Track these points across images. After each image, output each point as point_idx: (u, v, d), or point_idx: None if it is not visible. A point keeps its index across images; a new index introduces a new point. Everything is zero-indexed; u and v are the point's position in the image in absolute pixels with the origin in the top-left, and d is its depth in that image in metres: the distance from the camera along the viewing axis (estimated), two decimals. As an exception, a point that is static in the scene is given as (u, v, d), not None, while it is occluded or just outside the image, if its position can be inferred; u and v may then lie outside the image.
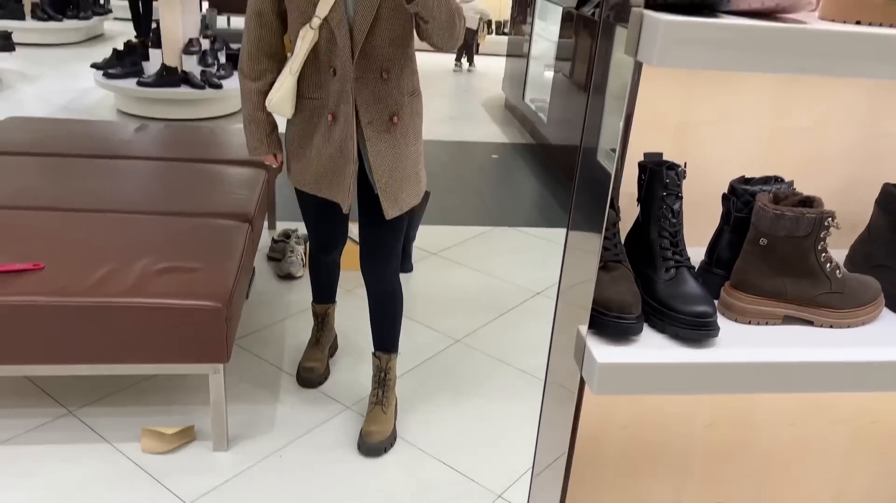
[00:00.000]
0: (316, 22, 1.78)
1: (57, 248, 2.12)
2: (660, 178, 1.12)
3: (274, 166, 2.11)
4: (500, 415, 2.38)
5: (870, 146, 1.34)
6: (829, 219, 1.06)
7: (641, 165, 1.16)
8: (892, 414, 1.55)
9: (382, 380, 2.22)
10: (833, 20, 0.92)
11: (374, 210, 1.98)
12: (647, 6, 0.86)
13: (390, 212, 1.95)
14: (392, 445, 2.18)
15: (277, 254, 3.29)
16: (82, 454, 2.07)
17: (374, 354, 2.23)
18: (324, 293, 2.48)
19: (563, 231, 3.96)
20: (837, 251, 1.35)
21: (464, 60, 8.61)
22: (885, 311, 1.18)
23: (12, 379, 2.34)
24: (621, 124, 0.93)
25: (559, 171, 4.94)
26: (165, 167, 2.87)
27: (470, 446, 2.22)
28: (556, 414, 1.18)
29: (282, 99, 1.89)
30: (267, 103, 1.91)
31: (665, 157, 1.23)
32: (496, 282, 3.30)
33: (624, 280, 1.08)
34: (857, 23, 0.91)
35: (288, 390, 2.41)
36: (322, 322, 2.52)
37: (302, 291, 3.06)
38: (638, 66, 0.91)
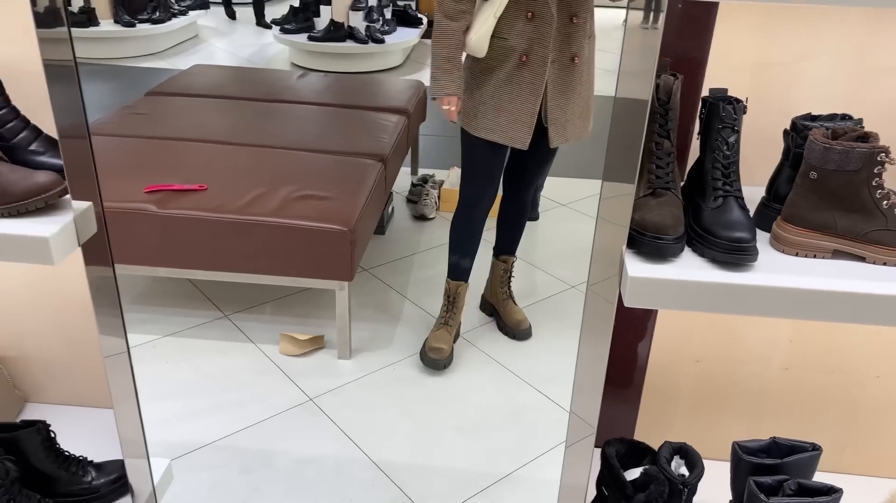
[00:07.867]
0: None
1: (219, 174, 2.48)
2: (717, 112, 1.17)
3: (453, 115, 2.08)
4: (603, 355, 2.47)
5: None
6: (883, 154, 1.07)
7: (703, 100, 1.22)
8: None
9: (509, 279, 2.61)
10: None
11: (535, 140, 2.15)
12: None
13: (557, 140, 2.14)
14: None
15: (415, 197, 3.53)
16: (232, 350, 2.44)
17: (499, 258, 2.56)
18: (461, 266, 2.42)
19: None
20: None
21: None
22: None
23: (179, 282, 2.78)
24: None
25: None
26: (318, 111, 3.18)
27: (568, 380, 2.35)
28: (595, 330, 1.28)
29: (481, 38, 2.00)
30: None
31: (740, 97, 1.27)
32: (622, 235, 3.32)
33: (669, 205, 1.16)
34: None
35: (409, 315, 2.66)
36: (453, 303, 2.45)
37: (434, 231, 3.29)
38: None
